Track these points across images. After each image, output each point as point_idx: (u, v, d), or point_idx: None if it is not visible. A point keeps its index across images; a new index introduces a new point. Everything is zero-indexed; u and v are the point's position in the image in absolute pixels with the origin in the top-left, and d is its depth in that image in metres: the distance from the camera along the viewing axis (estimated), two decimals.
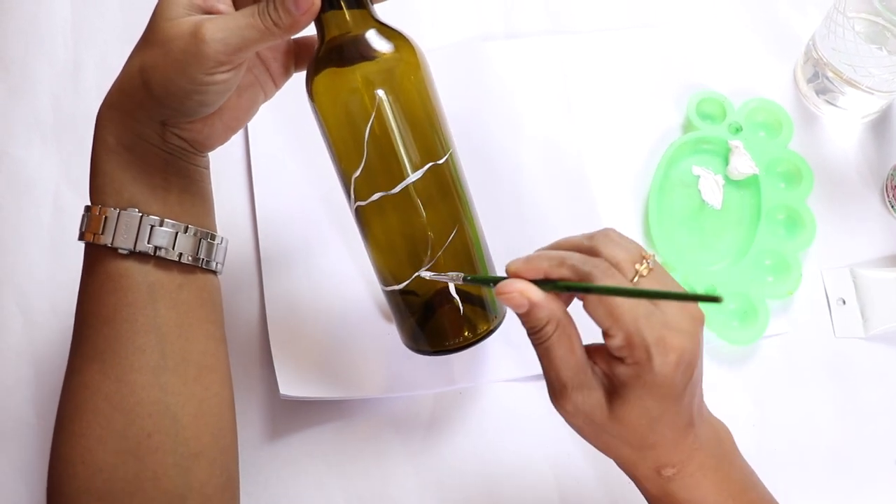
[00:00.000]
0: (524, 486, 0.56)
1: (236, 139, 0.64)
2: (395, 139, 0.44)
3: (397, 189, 0.45)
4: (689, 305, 0.39)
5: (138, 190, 0.43)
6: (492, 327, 0.50)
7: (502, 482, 0.56)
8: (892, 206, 0.63)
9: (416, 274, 0.47)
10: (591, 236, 0.41)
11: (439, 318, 0.50)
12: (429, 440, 0.57)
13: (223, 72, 0.40)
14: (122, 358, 0.42)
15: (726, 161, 0.63)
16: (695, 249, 0.61)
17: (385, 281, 0.49)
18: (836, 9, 0.60)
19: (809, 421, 0.58)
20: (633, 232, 0.62)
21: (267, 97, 0.47)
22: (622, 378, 0.39)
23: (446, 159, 0.46)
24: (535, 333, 0.39)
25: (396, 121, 0.44)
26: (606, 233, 0.41)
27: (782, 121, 0.64)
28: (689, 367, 0.38)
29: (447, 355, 0.51)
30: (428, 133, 0.46)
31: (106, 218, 0.42)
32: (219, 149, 0.63)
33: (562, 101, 0.65)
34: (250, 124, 0.63)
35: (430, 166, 0.45)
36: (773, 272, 0.60)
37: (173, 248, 0.43)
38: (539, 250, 0.41)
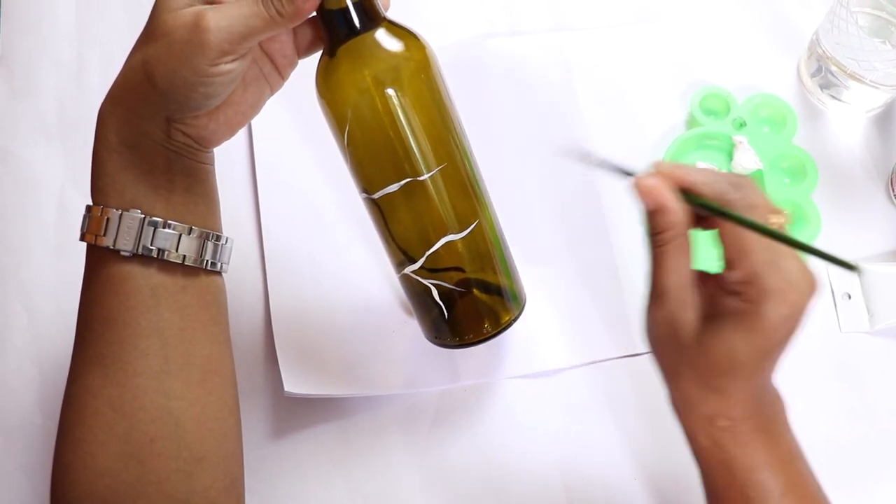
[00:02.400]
0: (530, 485, 0.56)
1: (240, 135, 0.64)
2: (438, 118, 0.46)
3: (426, 176, 0.45)
4: (809, 273, 0.39)
5: (141, 190, 0.42)
6: (514, 317, 0.51)
7: (508, 481, 0.56)
8: None
9: (440, 244, 0.47)
10: (731, 175, 0.41)
11: (462, 309, 0.50)
12: (433, 438, 0.57)
13: (227, 62, 0.39)
14: (125, 362, 0.41)
15: (730, 157, 0.63)
16: (699, 245, 0.61)
17: (412, 256, 0.49)
18: (840, 3, 0.59)
19: (814, 416, 0.58)
20: (637, 230, 0.62)
21: (273, 91, 0.46)
22: (726, 310, 0.39)
23: (466, 144, 0.48)
24: (655, 235, 0.40)
25: (436, 99, 0.45)
26: (747, 178, 0.41)
27: (786, 116, 0.64)
28: (792, 329, 0.38)
29: (469, 348, 0.51)
30: (452, 111, 0.47)
31: (108, 219, 0.41)
32: (221, 144, 0.64)
33: (566, 97, 0.65)
34: (254, 120, 0.64)
35: (464, 143, 0.47)
36: None
37: (177, 251, 0.42)
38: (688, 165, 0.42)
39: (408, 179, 0.45)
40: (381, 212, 0.48)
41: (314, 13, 0.41)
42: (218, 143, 0.44)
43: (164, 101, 0.40)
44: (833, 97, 0.64)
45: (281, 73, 0.45)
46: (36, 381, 0.58)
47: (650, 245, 0.40)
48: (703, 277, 0.41)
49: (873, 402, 0.58)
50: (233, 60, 0.39)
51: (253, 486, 0.55)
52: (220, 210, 0.46)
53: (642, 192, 0.39)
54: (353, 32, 0.43)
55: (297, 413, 0.57)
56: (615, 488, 0.56)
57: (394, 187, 0.46)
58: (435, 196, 0.46)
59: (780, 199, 0.62)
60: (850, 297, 0.60)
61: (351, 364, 0.57)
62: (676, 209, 0.39)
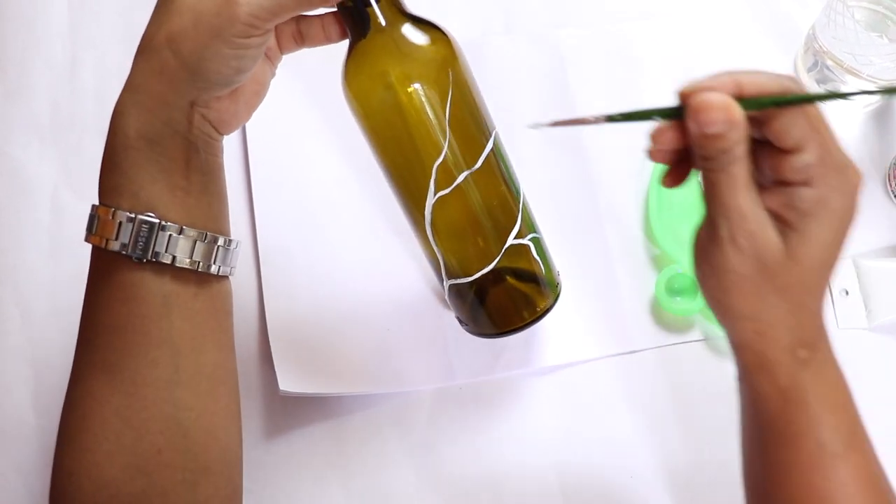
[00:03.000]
0: (526, 483, 0.56)
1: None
2: (472, 109, 0.45)
3: (479, 162, 0.45)
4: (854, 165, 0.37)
5: (157, 191, 0.40)
6: (551, 303, 0.51)
7: (503, 479, 0.56)
8: (895, 196, 0.62)
9: (508, 244, 0.47)
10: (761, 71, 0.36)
11: (498, 299, 0.50)
12: (429, 436, 0.57)
13: (256, 35, 0.38)
14: (134, 371, 0.40)
15: None
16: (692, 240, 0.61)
17: (464, 270, 0.49)
18: None
19: None
20: (634, 226, 0.62)
21: (273, 73, 0.45)
22: (804, 206, 0.35)
23: (496, 131, 0.47)
24: (723, 157, 0.35)
25: (465, 90, 0.45)
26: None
27: None
28: (858, 203, 0.36)
29: (508, 336, 0.51)
30: (480, 106, 0.46)
31: (120, 223, 0.39)
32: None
33: (561, 95, 0.65)
34: None
35: (495, 133, 0.46)
36: None
37: (191, 258, 0.40)
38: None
39: (494, 132, 0.46)
40: (458, 205, 0.47)
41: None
42: (236, 126, 0.43)
43: (193, 79, 0.38)
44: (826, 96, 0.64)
45: (281, 49, 0.45)
46: (31, 382, 0.58)
47: (715, 171, 0.36)
48: (761, 188, 0.37)
49: (871, 399, 0.58)
50: (261, 35, 0.38)
51: (248, 485, 0.54)
52: (229, 209, 0.44)
53: (707, 116, 0.34)
54: (379, 28, 0.43)
55: (292, 412, 0.56)
56: (611, 487, 0.56)
57: (490, 144, 0.45)
58: (501, 165, 0.47)
59: None
60: (847, 293, 0.60)
61: (346, 363, 0.57)
62: (744, 119, 0.34)
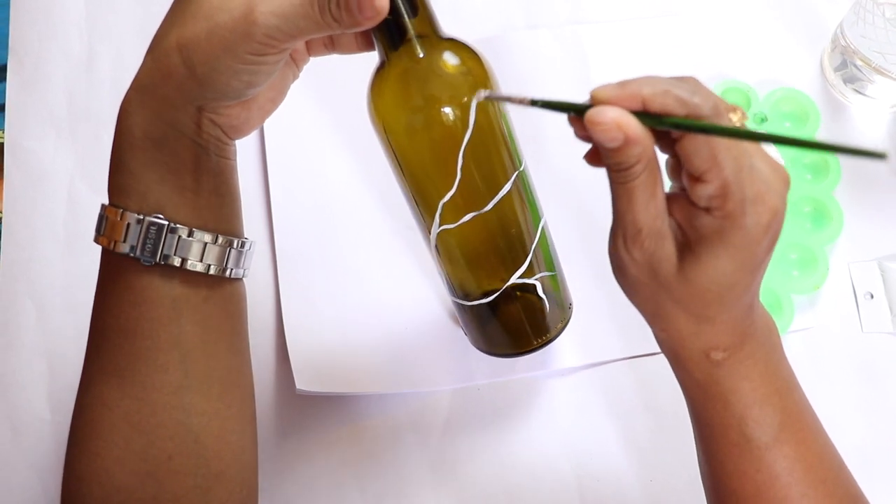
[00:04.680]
0: (543, 485, 0.55)
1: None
2: (490, 153, 0.42)
3: (490, 206, 0.43)
4: (779, 168, 0.35)
5: (166, 192, 0.38)
6: (550, 337, 0.50)
7: (521, 481, 0.55)
8: None
9: (509, 283, 0.46)
10: (675, 78, 0.35)
11: (499, 323, 0.49)
12: (446, 437, 0.56)
13: (272, 54, 0.36)
14: (144, 376, 0.39)
15: None
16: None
17: (467, 295, 0.48)
18: None
19: (836, 418, 0.57)
20: None
21: (295, 76, 0.44)
22: (703, 231, 0.35)
23: (524, 166, 0.44)
24: (621, 171, 0.35)
25: (489, 131, 0.41)
26: (691, 77, 0.35)
27: (809, 111, 0.62)
28: (776, 235, 0.35)
29: (520, 357, 0.51)
30: (508, 141, 0.43)
31: (128, 224, 0.38)
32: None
33: (583, 91, 0.64)
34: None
35: (516, 175, 0.43)
36: (798, 266, 0.59)
37: (201, 260, 0.39)
38: (629, 79, 0.35)
39: (516, 173, 0.43)
40: (487, 227, 0.45)
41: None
42: (248, 132, 0.42)
43: (202, 88, 0.37)
44: (857, 91, 0.63)
45: (309, 52, 0.43)
46: (45, 377, 0.57)
47: (615, 182, 0.35)
48: (670, 200, 0.36)
49: None
50: (277, 54, 0.37)
51: (263, 484, 0.54)
52: (241, 210, 0.43)
53: (600, 130, 0.33)
54: (412, 52, 0.40)
55: (308, 411, 0.56)
56: (630, 490, 0.55)
57: (507, 187, 0.43)
58: (528, 184, 0.45)
59: (802, 196, 0.60)
60: (872, 296, 0.59)
61: (363, 363, 0.56)
62: (642, 137, 0.33)
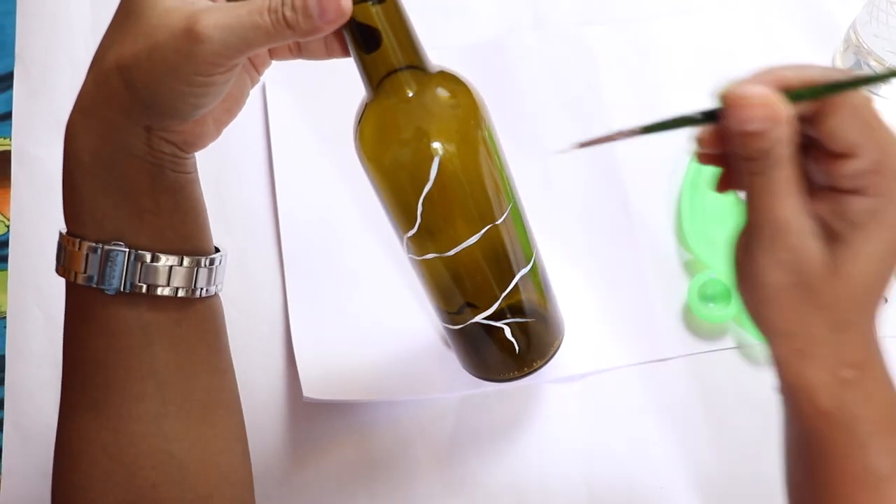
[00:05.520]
0: (553, 492, 0.55)
1: (256, 134, 0.63)
2: (453, 205, 0.40)
3: (452, 252, 0.42)
4: None
5: (123, 217, 0.36)
6: (560, 342, 0.50)
7: (530, 488, 0.55)
8: None
9: (473, 321, 0.45)
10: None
11: (483, 351, 0.49)
12: (455, 444, 0.56)
13: (220, 73, 0.34)
14: (119, 407, 0.38)
15: None
16: (730, 247, 0.59)
17: (443, 318, 0.48)
18: None
19: None
20: (665, 230, 0.60)
21: (255, 82, 0.41)
22: (855, 216, 0.32)
23: (506, 217, 0.42)
24: (760, 160, 0.32)
25: (455, 184, 0.39)
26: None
27: None
28: None
29: (520, 380, 0.51)
30: (488, 191, 0.41)
31: (87, 255, 0.36)
32: (238, 144, 0.63)
33: (591, 93, 0.63)
34: (270, 117, 0.62)
35: (489, 228, 0.41)
36: None
37: (168, 284, 0.37)
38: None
39: (488, 226, 0.41)
40: (453, 267, 0.44)
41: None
42: (204, 146, 0.39)
43: (146, 110, 0.35)
44: (870, 92, 0.62)
45: (273, 58, 0.41)
46: (53, 384, 0.57)
47: (753, 173, 0.32)
48: (810, 192, 0.33)
49: None
50: (226, 72, 0.34)
51: (271, 493, 0.54)
52: (208, 222, 0.41)
53: (747, 112, 0.31)
54: (396, 86, 0.38)
55: (316, 419, 0.56)
56: (641, 498, 0.55)
57: (474, 239, 0.41)
58: (509, 233, 0.43)
59: None
60: (886, 300, 0.58)
61: (371, 369, 0.56)
62: (788, 117, 0.31)
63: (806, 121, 0.33)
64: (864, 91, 0.32)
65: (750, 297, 0.35)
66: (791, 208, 0.33)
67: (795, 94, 0.32)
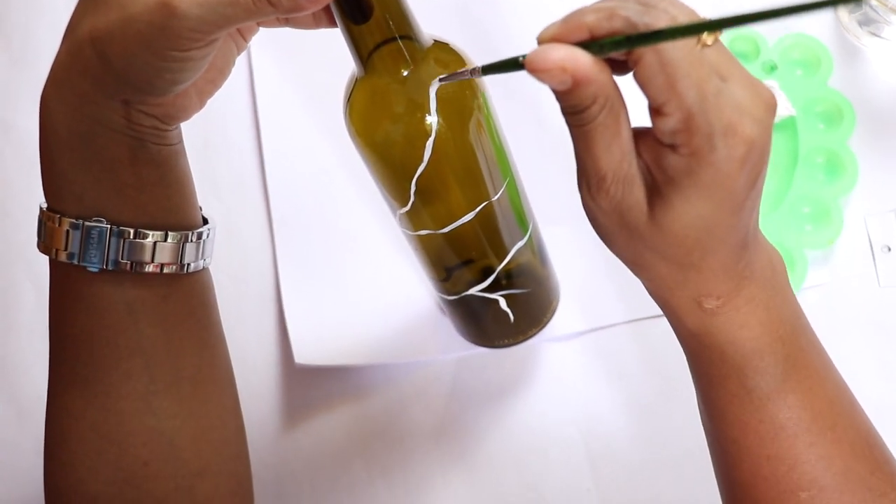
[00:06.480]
0: (551, 451, 0.55)
1: (243, 100, 0.62)
2: (448, 183, 0.39)
3: (446, 230, 0.41)
4: (762, 89, 0.31)
5: (104, 193, 0.35)
6: (539, 329, 0.50)
7: (528, 447, 0.55)
8: None
9: (468, 292, 0.45)
10: None
11: (477, 320, 0.49)
12: (451, 407, 0.55)
13: (197, 48, 0.32)
14: (107, 385, 0.37)
15: None
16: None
17: (438, 288, 0.48)
18: None
19: (852, 376, 0.54)
20: None
21: (241, 49, 0.40)
22: (670, 172, 0.31)
23: (502, 192, 0.41)
24: (577, 114, 0.31)
25: (450, 163, 0.38)
26: None
27: (821, 57, 0.60)
28: (756, 168, 0.31)
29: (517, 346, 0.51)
30: (484, 168, 0.40)
31: (67, 231, 0.35)
32: (224, 108, 0.61)
33: None
34: (256, 79, 0.61)
35: (485, 205, 0.41)
36: (811, 220, 0.57)
37: (153, 260, 0.36)
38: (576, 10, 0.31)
39: (484, 203, 0.40)
40: (446, 243, 0.43)
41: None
42: (188, 117, 0.38)
43: (122, 84, 0.33)
44: (873, 34, 0.60)
45: (258, 26, 0.39)
46: (46, 357, 0.57)
47: (572, 125, 0.31)
48: (637, 136, 0.32)
49: None
50: (203, 47, 0.32)
51: (267, 459, 0.54)
52: (195, 193, 0.39)
53: (545, 75, 0.29)
54: (388, 59, 0.36)
55: (311, 386, 0.56)
56: (640, 455, 0.54)
57: (469, 216, 0.40)
58: (506, 208, 0.42)
59: (814, 147, 0.58)
60: (889, 249, 0.57)
61: (364, 332, 0.55)
62: (594, 74, 0.29)
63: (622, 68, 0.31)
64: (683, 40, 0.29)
65: (598, 234, 0.35)
66: (609, 159, 0.31)
67: (600, 45, 0.29)
